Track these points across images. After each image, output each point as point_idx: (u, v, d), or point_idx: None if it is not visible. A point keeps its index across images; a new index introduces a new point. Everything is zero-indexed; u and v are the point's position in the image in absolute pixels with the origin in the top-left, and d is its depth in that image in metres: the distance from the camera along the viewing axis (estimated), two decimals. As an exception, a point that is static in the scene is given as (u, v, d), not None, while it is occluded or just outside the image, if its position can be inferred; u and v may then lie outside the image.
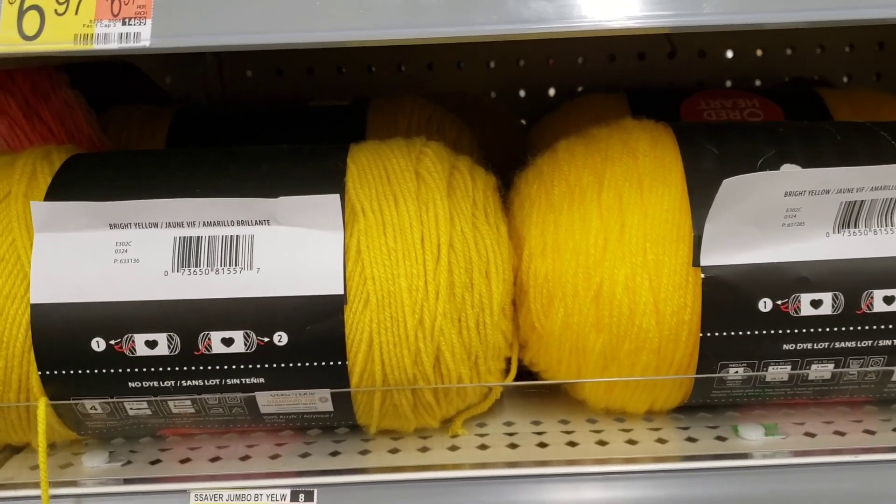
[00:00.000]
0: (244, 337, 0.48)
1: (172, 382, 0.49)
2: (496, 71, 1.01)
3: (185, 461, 0.54)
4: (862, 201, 0.49)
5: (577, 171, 0.53)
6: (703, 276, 0.49)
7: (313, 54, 1.00)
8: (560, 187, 0.53)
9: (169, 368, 0.49)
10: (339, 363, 0.49)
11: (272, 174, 0.50)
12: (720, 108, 0.75)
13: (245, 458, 0.54)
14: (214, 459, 0.54)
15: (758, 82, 1.00)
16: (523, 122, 0.97)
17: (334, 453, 0.54)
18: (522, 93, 1.02)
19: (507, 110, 0.94)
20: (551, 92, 1.02)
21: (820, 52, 1.00)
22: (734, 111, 0.75)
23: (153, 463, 0.53)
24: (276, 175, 0.50)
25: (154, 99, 0.83)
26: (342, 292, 0.48)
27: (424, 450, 0.54)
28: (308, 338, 0.48)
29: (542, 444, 0.54)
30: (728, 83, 1.00)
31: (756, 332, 0.49)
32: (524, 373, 0.56)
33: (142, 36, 0.43)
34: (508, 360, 0.55)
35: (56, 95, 0.65)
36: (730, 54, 1.00)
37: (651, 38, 0.99)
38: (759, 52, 1.00)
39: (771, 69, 1.01)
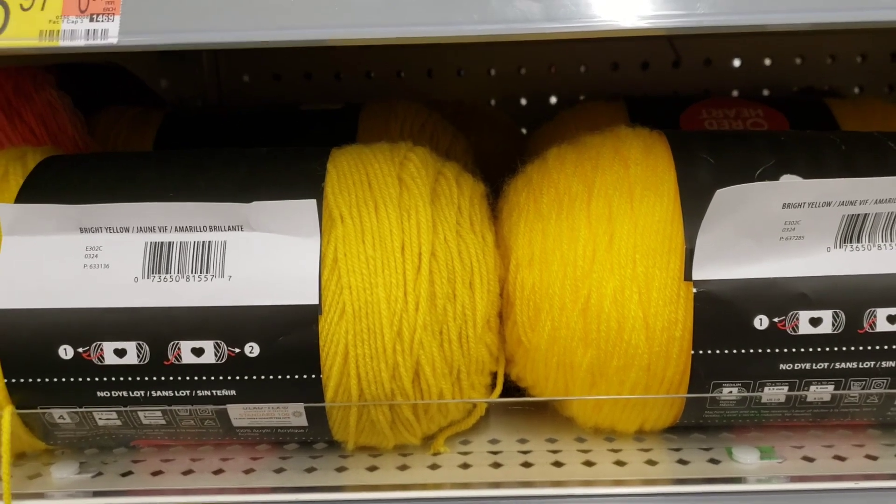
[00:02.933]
0: (215, 347, 0.46)
1: (142, 392, 0.47)
2: (497, 78, 0.99)
3: (157, 473, 0.52)
4: (865, 214, 0.46)
5: (567, 180, 0.51)
6: (695, 290, 0.47)
7: (311, 59, 0.99)
8: (549, 196, 0.51)
9: (138, 378, 0.47)
10: (313, 376, 0.47)
11: (248, 178, 0.49)
12: (722, 117, 0.73)
13: (218, 471, 0.52)
14: (187, 472, 0.52)
15: (766, 92, 0.98)
16: (524, 130, 0.95)
17: (310, 469, 0.52)
18: (524, 101, 1.00)
19: (506, 118, 0.92)
20: (553, 100, 1.00)
21: (831, 62, 0.97)
22: (737, 121, 0.73)
23: (124, 475, 0.52)
24: (253, 179, 0.48)
25: (146, 102, 0.82)
26: (317, 302, 0.46)
27: (404, 468, 0.51)
28: (280, 349, 0.46)
29: (527, 464, 0.52)
30: (735, 93, 0.98)
31: (751, 351, 0.47)
32: (512, 388, 0.54)
33: (109, 33, 0.41)
34: (494, 375, 0.53)
35: (39, 96, 0.64)
36: (737, 63, 0.98)
37: (655, 46, 0.97)
38: (767, 61, 0.98)
39: (779, 79, 0.98)
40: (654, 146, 0.51)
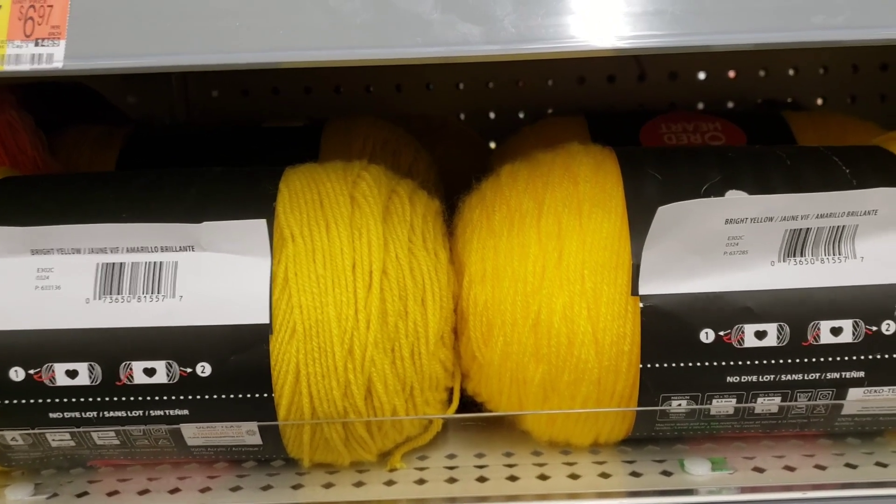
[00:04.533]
0: (166, 367, 0.46)
1: (95, 413, 0.48)
2: (465, 93, 1.00)
3: (113, 494, 0.52)
4: (808, 229, 0.47)
5: (518, 196, 0.51)
6: (642, 305, 0.47)
7: (280, 74, 0.99)
8: (501, 212, 0.51)
9: (90, 399, 0.47)
10: (265, 395, 0.47)
11: (200, 198, 0.49)
12: (681, 131, 0.74)
13: (175, 490, 0.52)
14: (143, 492, 0.52)
15: (730, 104, 0.99)
16: (493, 144, 0.96)
17: (266, 487, 0.52)
18: (492, 114, 1.01)
19: (473, 132, 0.93)
20: (521, 114, 1.00)
21: (793, 74, 0.99)
22: (695, 135, 0.73)
23: (80, 496, 0.52)
24: (205, 199, 0.49)
25: (112, 120, 0.82)
26: (268, 321, 0.46)
27: (360, 484, 0.52)
28: (232, 369, 0.46)
29: (483, 479, 0.52)
30: (700, 105, 0.99)
31: (698, 364, 0.48)
32: (470, 403, 0.55)
33: (55, 57, 0.41)
34: (451, 391, 0.53)
35: (-1, 116, 0.64)
36: (702, 76, 0.99)
37: (620, 60, 0.98)
38: (731, 74, 0.99)
39: (743, 91, 0.99)
40: (603, 163, 0.52)
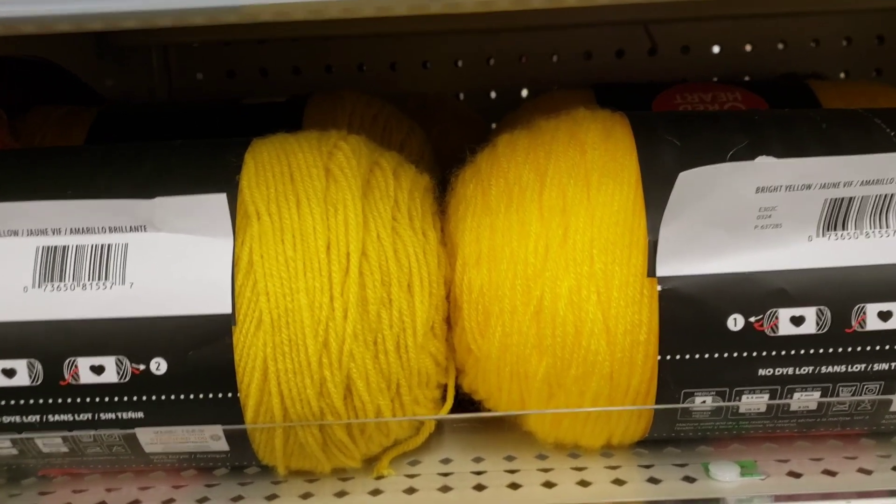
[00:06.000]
0: (116, 364, 0.41)
1: (37, 417, 0.42)
2: (464, 70, 0.94)
3: (64, 508, 0.46)
4: (851, 198, 0.41)
5: (518, 168, 0.45)
6: (660, 288, 0.41)
7: (267, 54, 0.94)
8: (498, 186, 0.45)
9: (32, 401, 0.41)
10: (230, 395, 0.41)
11: (156, 173, 0.43)
12: (698, 102, 0.68)
13: (134, 502, 0.46)
14: (98, 506, 0.46)
15: (747, 79, 0.93)
16: (494, 125, 0.89)
17: (237, 498, 0.46)
18: (493, 94, 0.95)
19: (472, 111, 0.87)
20: (524, 92, 0.94)
21: (814, 46, 0.92)
22: (714, 105, 0.67)
23: (27, 511, 0.46)
24: (161, 173, 0.43)
25: (84, 100, 0.76)
26: (230, 311, 0.40)
27: (342, 494, 0.46)
28: (191, 365, 0.41)
29: (480, 487, 0.46)
30: (714, 80, 0.92)
31: (725, 355, 0.42)
32: (466, 401, 0.49)
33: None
34: (445, 388, 0.47)
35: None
36: (716, 49, 0.93)
37: (630, 33, 0.92)
38: (748, 47, 0.93)
39: (761, 65, 0.93)
40: (614, 129, 0.46)
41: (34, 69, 0.73)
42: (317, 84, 0.94)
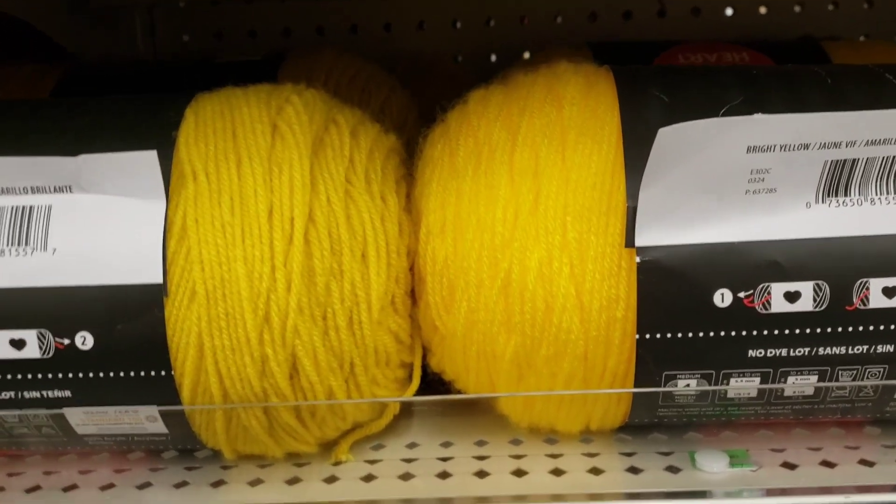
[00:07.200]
0: (38, 338, 0.37)
1: (-45, 395, 0.38)
2: (463, 32, 0.89)
3: (-3, 491, 0.43)
4: (854, 160, 0.37)
5: (488, 126, 0.41)
6: (639, 259, 0.37)
7: (257, 16, 0.89)
8: (466, 146, 0.41)
9: (-52, 378, 0.38)
10: (163, 373, 0.37)
11: (89, 129, 0.39)
12: (702, 62, 0.63)
13: (71, 487, 0.43)
14: (33, 489, 0.43)
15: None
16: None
17: (181, 484, 0.42)
18: (493, 57, 0.90)
19: (468, 75, 0.82)
20: (526, 55, 0.90)
21: (833, 9, 0.87)
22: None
23: (-44, 495, 0.43)
24: (93, 129, 0.39)
25: (50, 58, 0.73)
26: (160, 281, 0.37)
27: (294, 481, 0.42)
28: (119, 340, 0.37)
29: (445, 474, 0.42)
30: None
31: (711, 334, 0.38)
32: (436, 381, 0.45)
33: None
34: (411, 367, 0.44)
35: None
36: (729, 12, 0.88)
37: (638, -6, 0.87)
38: (762, 10, 0.88)
39: (776, 29, 0.88)
40: (596, 84, 0.42)
41: (1, 26, 0.69)
42: (307, 46, 0.90)
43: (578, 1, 0.88)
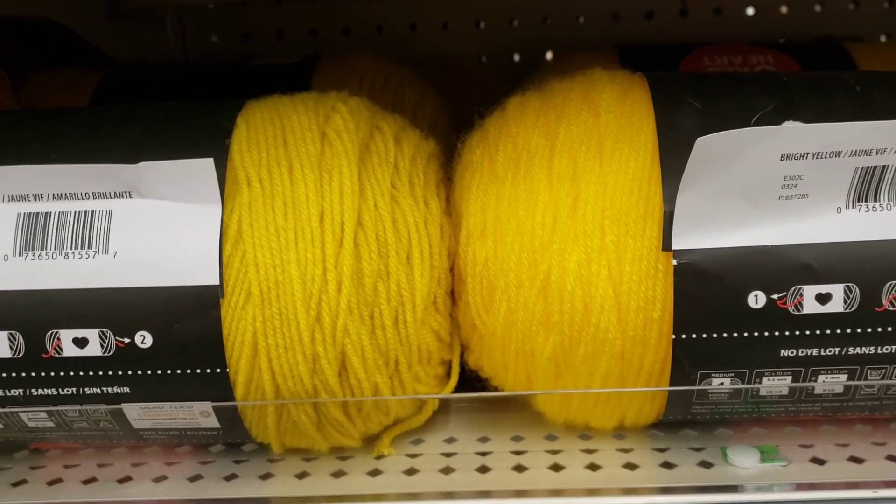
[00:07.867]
0: (100, 337, 0.39)
1: (20, 391, 0.40)
2: (487, 32, 0.91)
3: (54, 482, 0.44)
4: (884, 167, 0.38)
5: (527, 132, 0.43)
6: (675, 262, 0.38)
7: (284, 16, 0.91)
8: (505, 152, 0.43)
9: (14, 374, 0.40)
10: (218, 371, 0.39)
11: (144, 136, 0.41)
12: (727, 64, 0.64)
13: (125, 479, 0.44)
14: (89, 481, 0.44)
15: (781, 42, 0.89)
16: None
17: (230, 477, 0.44)
18: (517, 56, 0.91)
19: (494, 75, 0.84)
20: (549, 55, 0.91)
21: (854, 9, 0.88)
22: (743, 68, 0.64)
23: (16, 484, 0.44)
24: (149, 137, 0.41)
25: (89, 62, 0.74)
26: (217, 283, 0.38)
27: (339, 474, 0.44)
28: (177, 339, 0.39)
29: (484, 469, 0.44)
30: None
31: (745, 335, 0.39)
32: (473, 378, 0.47)
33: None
34: (450, 365, 0.45)
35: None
36: (750, 11, 0.89)
37: (660, -6, 0.88)
38: (783, 9, 0.89)
39: (797, 28, 0.89)
40: (631, 90, 0.43)
41: (40, 31, 0.71)
42: (334, 46, 0.91)
43: (601, 1, 0.89)
